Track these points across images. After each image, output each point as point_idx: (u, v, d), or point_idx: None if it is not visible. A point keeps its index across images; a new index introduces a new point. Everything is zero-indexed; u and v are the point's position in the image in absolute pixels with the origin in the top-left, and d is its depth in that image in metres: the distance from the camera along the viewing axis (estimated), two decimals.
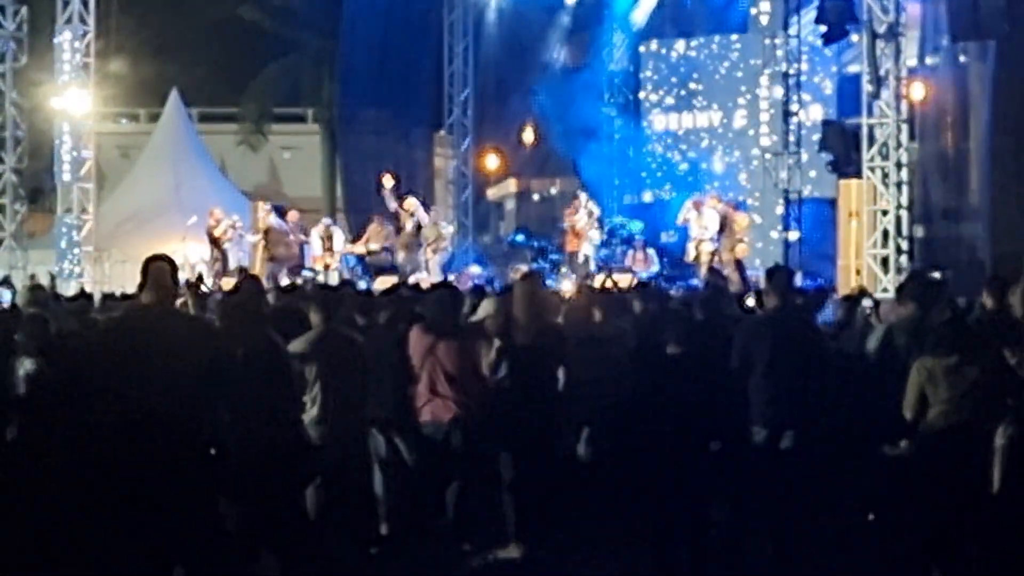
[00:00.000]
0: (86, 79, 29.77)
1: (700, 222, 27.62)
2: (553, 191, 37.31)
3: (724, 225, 27.41)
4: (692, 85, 34.71)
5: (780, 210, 27.43)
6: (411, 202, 28.81)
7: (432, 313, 11.58)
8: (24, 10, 30.75)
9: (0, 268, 30.52)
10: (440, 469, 11.43)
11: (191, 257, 29.52)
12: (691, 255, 27.55)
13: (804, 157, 28.57)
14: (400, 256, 28.56)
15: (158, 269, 8.96)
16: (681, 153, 34.79)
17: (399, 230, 28.87)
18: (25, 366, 11.30)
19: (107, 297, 19.84)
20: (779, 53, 27.52)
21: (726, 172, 33.71)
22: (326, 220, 30.56)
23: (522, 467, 11.20)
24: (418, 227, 28.76)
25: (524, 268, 26.89)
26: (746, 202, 28.89)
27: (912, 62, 28.55)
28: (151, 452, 7.89)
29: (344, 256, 30.40)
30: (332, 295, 11.23)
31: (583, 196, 29.11)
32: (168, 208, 33.99)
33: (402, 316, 12.64)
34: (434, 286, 13.33)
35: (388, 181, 29.26)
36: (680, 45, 35.03)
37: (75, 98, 29.56)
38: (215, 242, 29.49)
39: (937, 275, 14.20)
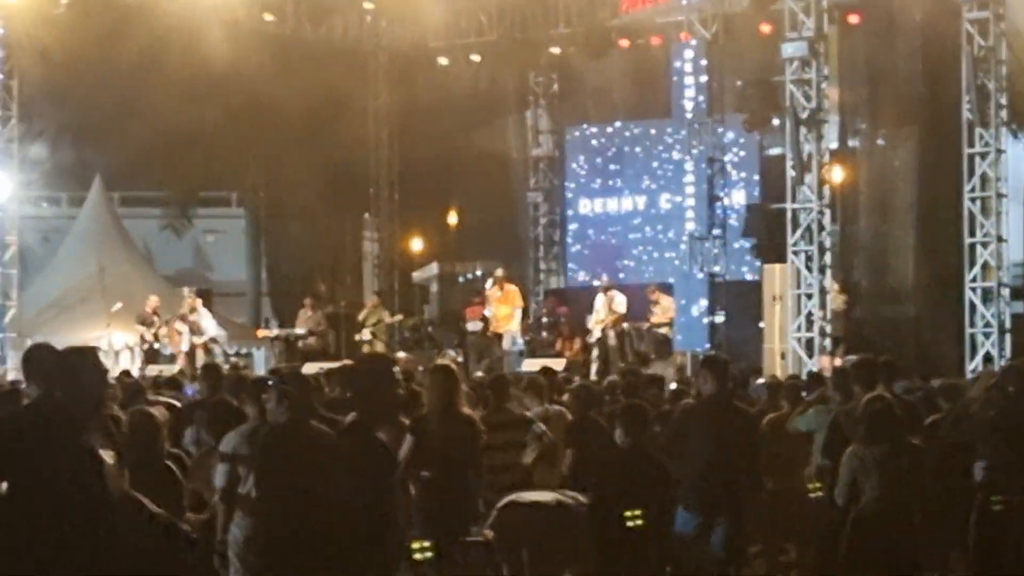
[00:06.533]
0: (8, 163, 29.54)
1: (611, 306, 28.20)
2: (477, 273, 37.35)
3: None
4: (617, 169, 34.90)
5: (705, 293, 27.53)
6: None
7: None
8: None
9: None
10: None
11: (116, 344, 29.29)
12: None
13: (729, 240, 28.78)
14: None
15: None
16: (606, 236, 34.91)
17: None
18: None
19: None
20: (703, 138, 27.66)
21: (651, 255, 33.85)
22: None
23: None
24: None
25: (452, 354, 27.03)
26: (671, 285, 28.98)
27: (833, 145, 28.81)
28: None
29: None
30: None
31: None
32: (92, 294, 33.69)
33: None
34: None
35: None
36: (605, 130, 35.25)
37: None
38: (147, 326, 29.15)
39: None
